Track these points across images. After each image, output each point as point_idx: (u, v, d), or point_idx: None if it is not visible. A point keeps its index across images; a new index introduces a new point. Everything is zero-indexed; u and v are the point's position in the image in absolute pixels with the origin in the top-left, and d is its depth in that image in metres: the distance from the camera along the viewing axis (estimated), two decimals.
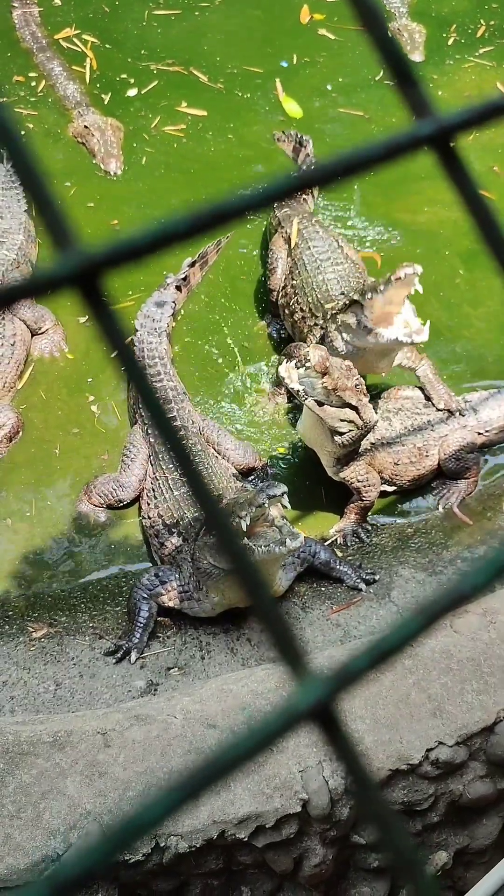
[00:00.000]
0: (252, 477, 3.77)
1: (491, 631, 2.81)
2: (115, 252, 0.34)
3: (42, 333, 4.08)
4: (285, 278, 4.13)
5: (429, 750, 2.59)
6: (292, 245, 4.15)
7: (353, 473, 3.59)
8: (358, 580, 3.45)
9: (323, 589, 3.47)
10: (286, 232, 4.22)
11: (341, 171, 0.37)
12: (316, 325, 3.82)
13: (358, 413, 3.38)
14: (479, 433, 3.85)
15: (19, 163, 0.33)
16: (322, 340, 3.72)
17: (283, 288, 4.12)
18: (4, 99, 5.11)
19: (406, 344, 3.44)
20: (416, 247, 4.58)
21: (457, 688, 2.68)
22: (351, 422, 3.40)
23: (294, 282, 4.04)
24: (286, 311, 4.07)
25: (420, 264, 3.38)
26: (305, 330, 3.88)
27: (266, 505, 2.90)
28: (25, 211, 4.42)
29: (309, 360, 3.26)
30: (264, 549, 2.91)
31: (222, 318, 4.38)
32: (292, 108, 5.18)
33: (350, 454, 3.55)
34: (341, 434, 3.42)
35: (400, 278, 3.30)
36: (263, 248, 4.54)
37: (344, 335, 3.61)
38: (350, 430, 3.42)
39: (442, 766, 2.61)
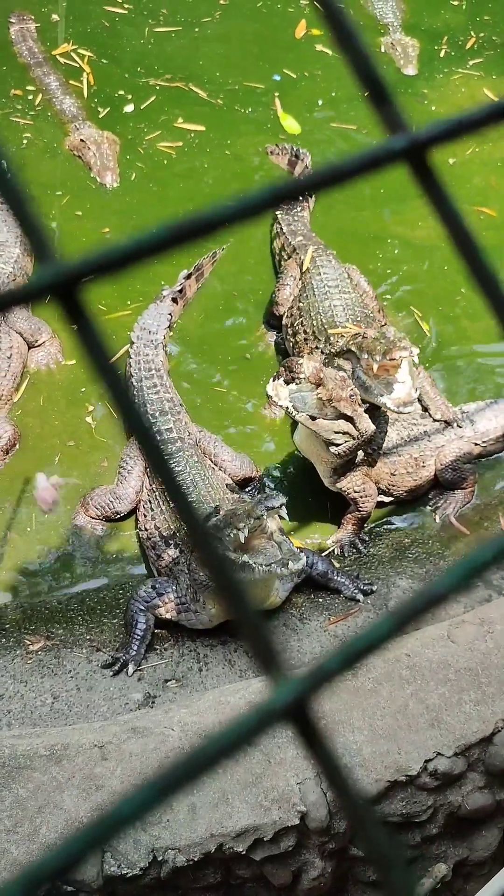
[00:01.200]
0: (249, 488, 3.77)
1: (488, 641, 2.81)
2: (92, 263, 0.35)
3: (39, 346, 4.10)
4: (293, 299, 4.17)
5: (427, 761, 2.58)
6: (304, 270, 4.19)
7: (350, 484, 3.59)
8: (356, 591, 3.45)
9: (320, 600, 3.47)
10: (300, 258, 4.27)
11: (316, 185, 0.38)
12: (317, 348, 3.84)
13: (353, 423, 3.38)
14: (476, 444, 3.86)
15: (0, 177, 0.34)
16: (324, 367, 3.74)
17: (290, 308, 4.16)
18: None
19: (392, 411, 3.44)
20: (419, 262, 4.62)
21: (454, 698, 2.68)
22: (346, 433, 3.40)
23: (301, 304, 4.08)
24: (289, 331, 4.11)
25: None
26: (307, 352, 3.90)
27: (264, 516, 2.90)
28: None
29: (303, 372, 3.27)
30: (265, 568, 2.90)
31: (218, 329, 4.40)
32: (290, 124, 5.22)
33: (347, 465, 3.55)
34: (337, 445, 3.42)
35: (394, 359, 3.29)
36: (256, 263, 4.57)
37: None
38: (346, 441, 3.42)
39: (440, 778, 2.60)
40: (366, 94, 0.41)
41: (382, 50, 5.72)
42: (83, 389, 4.07)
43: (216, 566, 0.33)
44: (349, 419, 3.37)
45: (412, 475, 3.74)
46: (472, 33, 5.87)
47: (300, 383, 3.30)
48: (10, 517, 3.69)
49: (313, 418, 3.34)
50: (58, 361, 4.12)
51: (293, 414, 3.33)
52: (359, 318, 3.91)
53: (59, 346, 4.15)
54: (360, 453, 3.56)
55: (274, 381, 3.35)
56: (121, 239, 0.37)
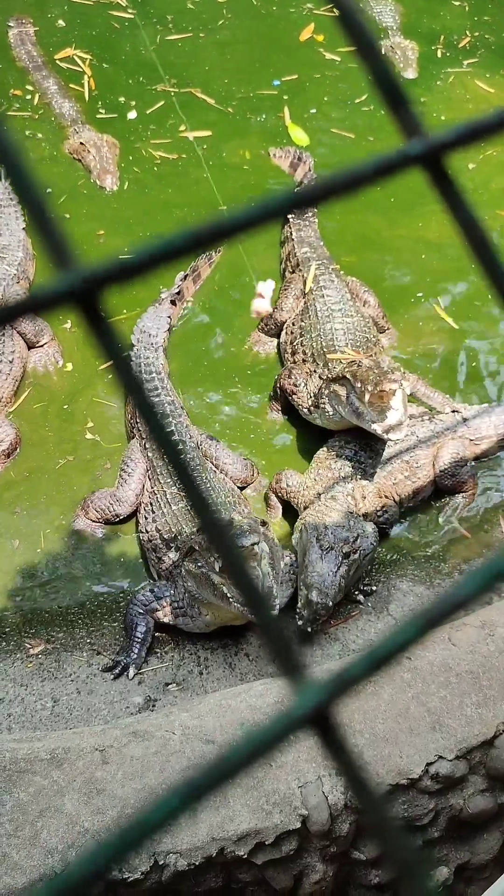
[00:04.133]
0: (252, 491, 3.79)
1: (489, 643, 2.81)
2: (114, 269, 0.35)
3: (39, 347, 4.11)
4: (294, 317, 4.15)
5: (429, 764, 2.58)
6: (307, 290, 4.18)
7: (371, 513, 3.56)
8: (356, 592, 3.45)
9: None
10: (304, 274, 4.27)
11: (335, 191, 0.38)
12: (315, 372, 3.83)
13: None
14: (471, 440, 3.86)
15: (20, 183, 0.34)
16: (318, 393, 3.72)
17: (290, 326, 4.14)
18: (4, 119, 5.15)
19: (381, 437, 3.42)
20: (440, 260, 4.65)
21: (456, 701, 2.67)
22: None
23: (302, 323, 4.06)
24: (288, 348, 4.09)
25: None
26: (304, 373, 3.87)
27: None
28: (24, 228, 4.48)
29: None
30: (237, 606, 2.88)
31: (218, 334, 4.40)
32: (298, 134, 5.21)
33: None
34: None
35: (384, 391, 3.29)
36: (253, 276, 4.58)
37: (333, 402, 3.61)
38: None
39: (442, 781, 2.60)
40: (382, 99, 0.41)
41: (382, 53, 5.73)
42: (82, 388, 4.08)
43: (235, 569, 0.33)
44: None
45: (410, 479, 3.73)
46: (468, 33, 5.90)
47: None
48: (8, 521, 3.68)
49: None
50: (56, 364, 4.12)
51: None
52: (358, 343, 3.91)
53: (58, 348, 4.15)
54: (349, 468, 3.53)
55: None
56: (139, 246, 0.37)
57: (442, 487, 3.77)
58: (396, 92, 0.40)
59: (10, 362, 3.91)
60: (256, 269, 4.54)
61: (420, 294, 4.56)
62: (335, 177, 0.39)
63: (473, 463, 3.87)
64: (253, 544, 2.86)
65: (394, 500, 3.66)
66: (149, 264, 0.36)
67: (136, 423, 3.85)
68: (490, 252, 0.40)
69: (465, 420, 3.87)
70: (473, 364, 4.31)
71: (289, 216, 4.61)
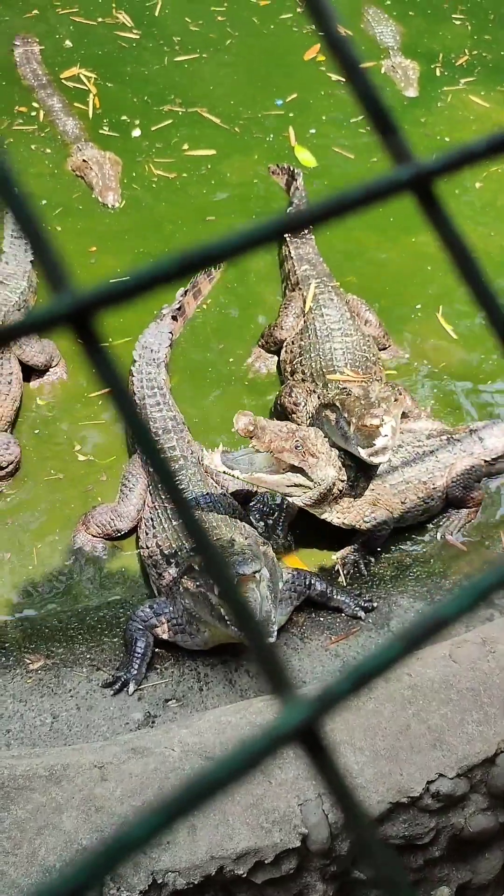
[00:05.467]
0: (253, 502, 3.78)
1: (490, 660, 2.80)
2: (107, 293, 0.36)
3: (48, 371, 4.18)
4: (294, 335, 4.16)
5: (429, 782, 2.56)
6: (306, 309, 4.20)
7: (357, 517, 3.54)
8: (357, 608, 3.44)
9: (321, 619, 3.46)
10: (303, 292, 4.29)
11: (322, 216, 0.39)
12: (314, 392, 3.84)
13: (305, 474, 3.32)
14: (486, 461, 3.86)
15: (17, 209, 0.35)
16: (316, 413, 3.72)
17: (290, 344, 4.15)
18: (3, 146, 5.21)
19: (365, 460, 3.39)
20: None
21: (457, 718, 2.66)
22: (300, 485, 3.32)
23: (302, 342, 4.07)
24: (288, 367, 4.10)
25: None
26: (305, 392, 3.88)
27: (235, 581, 2.88)
28: (31, 261, 4.49)
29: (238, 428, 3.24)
30: (234, 630, 2.89)
31: (219, 350, 4.42)
32: (305, 156, 5.23)
33: (325, 502, 3.47)
34: (297, 497, 3.38)
35: (366, 425, 3.28)
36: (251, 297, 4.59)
37: (325, 426, 3.62)
38: (305, 493, 3.35)
39: (443, 799, 2.58)
40: (371, 124, 0.42)
41: (383, 72, 5.79)
42: (79, 405, 4.10)
43: (225, 586, 0.34)
44: (299, 470, 3.31)
45: (423, 499, 3.71)
46: (466, 51, 5.97)
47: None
48: (9, 536, 3.69)
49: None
50: (62, 380, 4.18)
51: (231, 474, 3.30)
52: (358, 363, 3.92)
53: (64, 365, 4.20)
54: (339, 488, 3.50)
55: (210, 452, 3.35)
56: (133, 269, 0.38)
57: (451, 499, 3.76)
58: (384, 117, 0.41)
59: (9, 383, 3.93)
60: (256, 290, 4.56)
61: (419, 306, 4.58)
62: (326, 202, 0.40)
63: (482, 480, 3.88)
64: (254, 572, 2.86)
65: (390, 513, 3.63)
66: (141, 288, 0.37)
67: None
68: (477, 274, 0.41)
69: (481, 440, 3.87)
70: (481, 377, 4.32)
71: (285, 234, 4.64)
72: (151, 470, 3.78)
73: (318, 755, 0.33)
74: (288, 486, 3.32)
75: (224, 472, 3.28)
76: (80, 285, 0.36)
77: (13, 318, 4.10)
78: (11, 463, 3.78)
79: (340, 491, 3.48)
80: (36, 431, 4.03)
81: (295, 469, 3.30)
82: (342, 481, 3.46)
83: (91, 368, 0.36)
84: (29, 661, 3.27)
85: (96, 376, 0.36)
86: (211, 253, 0.37)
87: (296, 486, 3.33)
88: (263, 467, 3.26)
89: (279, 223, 0.39)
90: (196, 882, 2.38)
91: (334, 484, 3.41)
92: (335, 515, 3.53)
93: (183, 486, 3.62)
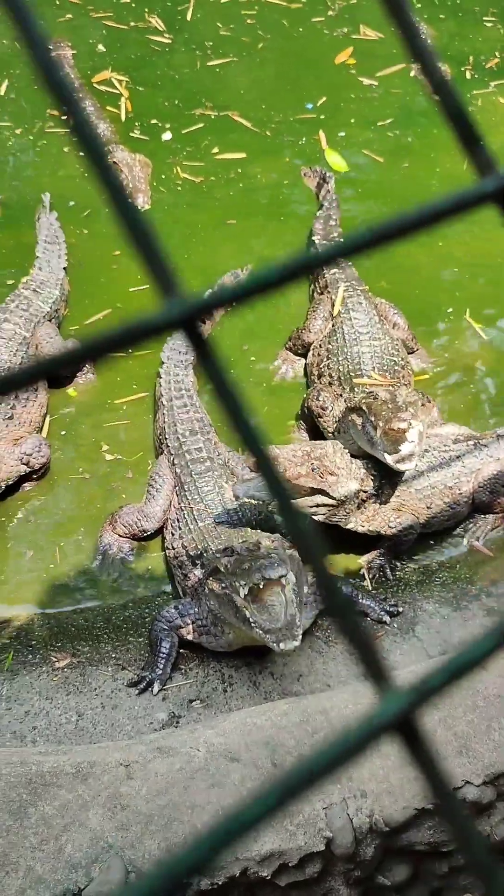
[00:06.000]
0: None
1: None
2: (211, 300, 0.37)
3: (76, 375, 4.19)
4: (321, 339, 4.16)
5: (455, 789, 2.54)
6: (335, 312, 4.19)
7: (382, 523, 3.53)
8: (382, 613, 3.43)
9: None
10: (332, 296, 4.29)
11: (405, 229, 0.39)
12: (340, 396, 3.84)
13: (325, 493, 3.34)
14: None
15: (129, 219, 0.36)
16: (342, 417, 3.72)
17: (318, 348, 4.14)
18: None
19: (391, 466, 3.39)
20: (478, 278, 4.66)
21: (483, 725, 2.64)
22: (322, 504, 3.35)
23: (329, 346, 4.06)
24: (315, 371, 4.09)
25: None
26: (332, 395, 3.87)
27: (260, 585, 2.88)
28: (64, 268, 4.51)
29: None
30: (260, 633, 2.88)
31: (243, 351, 4.43)
32: (335, 160, 5.22)
33: (349, 514, 3.48)
34: (321, 516, 3.40)
35: (393, 429, 3.29)
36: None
37: (351, 430, 3.62)
38: (329, 510, 3.39)
39: (469, 807, 2.56)
40: (455, 136, 0.42)
41: (412, 75, 5.79)
42: (107, 406, 4.12)
43: (317, 568, 0.34)
44: (320, 491, 3.33)
45: (450, 504, 3.69)
46: (497, 54, 5.94)
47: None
48: (35, 536, 3.71)
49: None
50: (92, 381, 4.20)
51: (262, 504, 3.33)
52: (385, 368, 3.90)
53: (92, 366, 4.22)
54: (362, 497, 3.50)
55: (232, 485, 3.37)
56: (238, 279, 0.38)
57: (478, 503, 3.74)
58: (470, 129, 0.41)
59: (36, 390, 3.95)
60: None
61: (450, 310, 4.56)
62: (412, 212, 0.41)
63: None
64: (281, 576, 2.86)
65: (416, 518, 3.62)
66: (241, 296, 0.38)
67: (164, 439, 3.87)
68: None
69: None
70: None
71: (314, 237, 4.64)
72: (178, 471, 3.76)
73: (416, 745, 0.33)
74: (312, 508, 3.34)
75: (245, 501, 3.31)
76: (189, 292, 0.38)
77: (44, 332, 4.12)
78: (44, 465, 3.81)
79: (364, 501, 3.48)
80: (63, 433, 4.06)
81: (316, 490, 3.31)
82: (364, 492, 3.46)
83: (200, 365, 0.37)
84: (55, 660, 3.30)
85: (204, 373, 0.37)
86: (310, 262, 0.38)
87: (319, 505, 3.34)
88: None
89: (368, 235, 0.40)
90: (220, 883, 2.38)
91: (357, 496, 3.42)
92: (360, 524, 3.52)
93: (209, 488, 3.63)
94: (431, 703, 0.34)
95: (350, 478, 3.38)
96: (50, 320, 4.25)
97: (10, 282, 4.53)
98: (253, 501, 3.32)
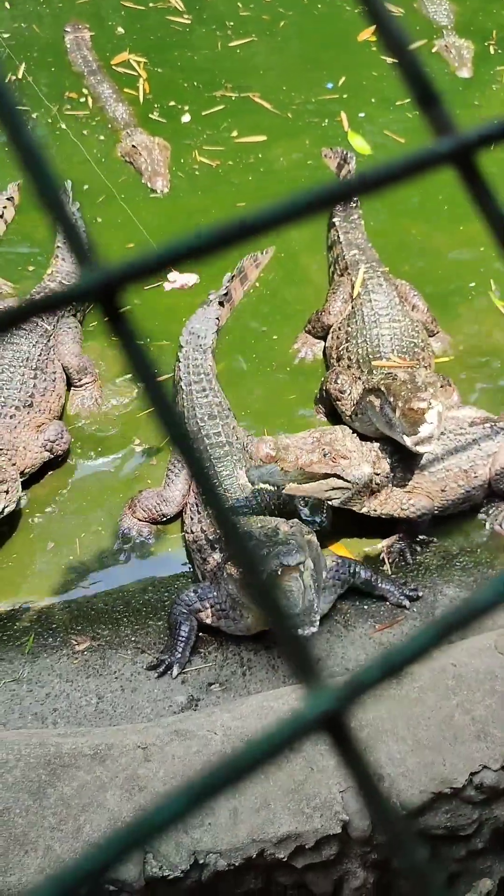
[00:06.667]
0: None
1: None
2: (131, 267, 0.36)
3: (81, 386, 4.10)
4: (341, 321, 4.12)
5: (473, 774, 2.53)
6: (355, 294, 4.15)
7: (395, 506, 3.51)
8: (402, 597, 3.41)
9: (366, 607, 3.44)
10: (352, 278, 4.24)
11: (361, 189, 0.37)
12: (359, 378, 3.80)
13: (340, 478, 3.31)
14: None
15: (43, 187, 0.34)
16: (360, 398, 3.68)
17: (337, 330, 4.11)
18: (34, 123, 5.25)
19: (410, 449, 3.36)
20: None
21: (502, 710, 2.62)
22: (338, 488, 3.33)
23: (349, 328, 4.02)
24: (333, 353, 4.05)
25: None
26: (350, 378, 3.84)
27: (278, 572, 2.87)
28: None
29: (259, 457, 3.24)
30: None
31: (265, 334, 4.40)
32: (359, 143, 5.14)
33: (363, 497, 3.46)
34: (336, 499, 3.38)
35: (412, 409, 3.25)
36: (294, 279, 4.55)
37: (369, 412, 3.58)
38: (343, 493, 3.36)
39: (486, 791, 2.55)
40: (413, 97, 0.41)
41: (435, 51, 5.68)
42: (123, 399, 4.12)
43: (251, 573, 0.33)
44: (334, 475, 3.30)
45: (463, 487, 3.65)
46: None
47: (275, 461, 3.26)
48: (56, 522, 3.74)
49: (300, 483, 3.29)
50: (98, 405, 4.11)
51: (266, 489, 3.31)
52: (405, 350, 3.85)
53: (100, 391, 4.14)
54: (375, 482, 3.47)
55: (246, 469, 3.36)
56: (154, 247, 0.37)
57: (496, 490, 3.70)
58: (427, 89, 0.39)
59: (53, 381, 3.96)
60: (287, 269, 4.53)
61: (472, 295, 4.49)
62: (365, 175, 0.39)
63: None
64: (298, 563, 2.85)
65: (430, 500, 3.59)
66: (164, 262, 0.36)
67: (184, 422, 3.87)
68: None
69: None
70: None
71: (334, 219, 4.58)
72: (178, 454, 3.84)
73: (344, 745, 0.32)
74: (326, 491, 3.32)
75: (258, 488, 3.30)
76: (107, 261, 0.36)
77: (64, 322, 4.12)
78: (65, 451, 3.83)
79: (378, 484, 3.45)
80: (80, 423, 4.07)
81: (330, 475, 3.29)
82: (377, 474, 3.43)
83: (116, 341, 0.36)
84: (75, 643, 3.33)
85: (120, 348, 0.36)
86: (242, 225, 0.37)
87: (334, 489, 3.32)
88: (297, 476, 3.26)
89: (314, 195, 0.38)
90: (237, 864, 2.40)
91: (371, 479, 3.39)
92: (372, 507, 3.50)
93: (228, 472, 3.62)
94: (363, 700, 0.33)
95: (362, 460, 3.35)
96: (74, 315, 4.23)
97: (31, 268, 4.54)
98: (268, 487, 3.31)
